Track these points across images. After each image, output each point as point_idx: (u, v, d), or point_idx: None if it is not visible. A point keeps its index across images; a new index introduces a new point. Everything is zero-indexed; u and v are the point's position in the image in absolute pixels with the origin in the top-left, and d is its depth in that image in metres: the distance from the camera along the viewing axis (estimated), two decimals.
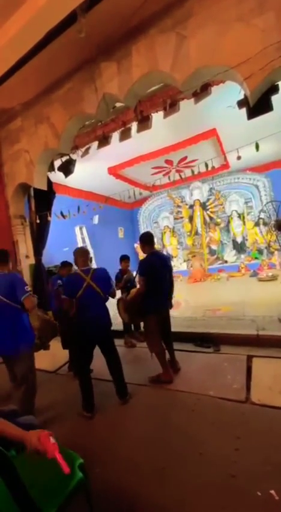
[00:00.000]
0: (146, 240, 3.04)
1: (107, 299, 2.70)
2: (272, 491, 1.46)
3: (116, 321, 3.23)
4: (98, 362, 2.57)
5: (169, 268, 3.08)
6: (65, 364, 3.68)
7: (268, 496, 1.44)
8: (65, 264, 3.73)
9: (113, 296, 2.82)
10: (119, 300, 3.17)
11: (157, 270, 2.86)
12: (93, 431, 2.28)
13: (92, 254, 8.55)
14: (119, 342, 3.52)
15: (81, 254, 2.68)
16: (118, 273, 4.29)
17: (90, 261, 2.73)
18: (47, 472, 1.15)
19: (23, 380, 2.35)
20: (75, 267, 4.34)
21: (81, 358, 2.61)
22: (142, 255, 10.95)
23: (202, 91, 3.36)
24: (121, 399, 2.59)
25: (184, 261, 10.29)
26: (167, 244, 11.15)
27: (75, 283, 2.54)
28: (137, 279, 3.08)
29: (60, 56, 3.29)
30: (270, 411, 2.16)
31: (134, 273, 3.37)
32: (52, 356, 3.52)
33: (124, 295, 3.26)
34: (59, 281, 3.49)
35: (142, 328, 3.62)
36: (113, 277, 3.15)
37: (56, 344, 2.94)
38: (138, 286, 3.06)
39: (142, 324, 4.10)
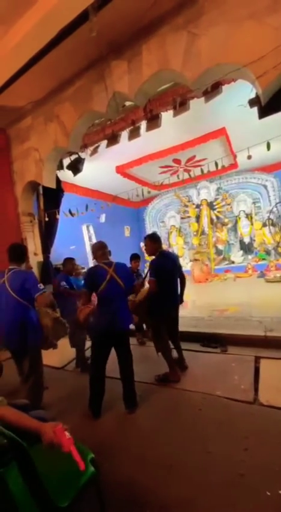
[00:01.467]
0: (156, 238, 3.05)
1: (128, 293, 2.63)
2: None
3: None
4: (109, 359, 2.57)
5: (178, 267, 3.08)
6: (72, 361, 3.72)
7: (277, 496, 1.44)
8: (67, 260, 3.76)
9: (135, 292, 2.73)
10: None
11: (167, 272, 2.85)
12: (101, 428, 2.30)
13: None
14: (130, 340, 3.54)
15: (100, 247, 2.62)
16: None
17: (110, 254, 2.67)
18: (60, 465, 1.17)
19: (30, 375, 2.38)
20: (81, 265, 4.38)
21: (98, 356, 2.48)
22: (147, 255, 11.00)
23: (212, 90, 3.35)
24: (127, 408, 2.46)
25: (190, 260, 10.24)
26: (174, 244, 11.11)
27: (98, 276, 2.45)
28: (146, 280, 3.06)
29: (71, 55, 3.31)
30: (279, 413, 2.15)
31: (144, 273, 3.34)
32: (59, 352, 3.53)
33: (132, 296, 3.25)
34: (63, 282, 3.54)
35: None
36: None
37: (63, 340, 2.96)
38: (146, 286, 3.07)
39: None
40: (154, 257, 2.97)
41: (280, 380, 2.62)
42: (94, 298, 2.59)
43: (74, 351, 3.59)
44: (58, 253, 5.82)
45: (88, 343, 3.51)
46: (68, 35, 3.00)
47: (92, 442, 1.96)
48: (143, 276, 3.92)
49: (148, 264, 10.82)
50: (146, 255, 10.89)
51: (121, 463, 1.85)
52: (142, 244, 11.37)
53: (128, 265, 4.32)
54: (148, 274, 2.93)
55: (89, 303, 2.56)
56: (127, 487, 1.65)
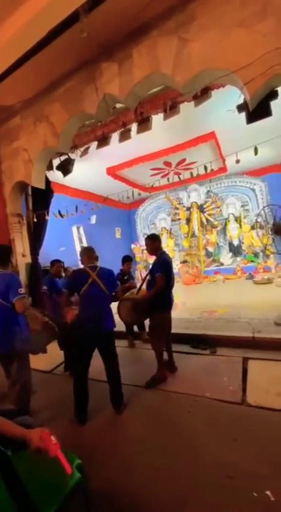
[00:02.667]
0: (156, 237, 3.15)
1: (111, 299, 2.66)
2: (268, 492, 1.47)
3: (119, 323, 3.21)
4: (97, 362, 2.55)
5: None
6: (60, 364, 3.66)
7: (264, 496, 1.45)
8: (54, 262, 3.73)
9: (115, 300, 2.80)
10: (123, 300, 3.11)
11: (171, 269, 2.98)
12: (90, 432, 2.27)
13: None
14: (118, 343, 3.51)
15: (87, 251, 2.69)
16: (119, 274, 4.18)
17: (97, 259, 2.73)
18: (46, 473, 1.14)
19: (16, 379, 2.33)
20: (71, 267, 4.34)
21: (80, 358, 2.50)
22: (138, 256, 11.02)
23: (202, 94, 3.39)
24: (115, 408, 2.48)
25: (181, 262, 10.32)
26: (164, 246, 11.18)
27: (79, 278, 2.52)
28: (147, 279, 3.11)
29: (61, 55, 3.28)
30: (266, 413, 2.18)
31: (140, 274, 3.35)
32: (48, 356, 3.48)
33: (130, 293, 3.24)
34: (44, 287, 3.51)
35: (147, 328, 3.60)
36: None
37: (51, 344, 2.92)
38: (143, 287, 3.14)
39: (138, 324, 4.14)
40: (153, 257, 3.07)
41: (267, 380, 2.66)
42: (76, 298, 2.60)
43: (63, 354, 3.54)
44: (47, 255, 5.73)
45: None
46: (58, 35, 2.98)
47: (80, 447, 1.93)
48: (135, 276, 3.93)
49: (139, 266, 10.87)
50: (136, 256, 10.85)
51: (110, 467, 1.83)
52: (133, 246, 11.39)
53: (120, 267, 4.32)
54: (150, 273, 3.02)
55: (69, 304, 2.61)
56: (115, 492, 1.63)
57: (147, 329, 3.62)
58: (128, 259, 4.36)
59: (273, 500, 1.43)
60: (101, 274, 2.54)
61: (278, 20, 2.32)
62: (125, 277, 4.18)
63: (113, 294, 2.69)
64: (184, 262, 9.96)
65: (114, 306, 2.96)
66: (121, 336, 4.02)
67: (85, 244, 8.59)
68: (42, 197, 4.86)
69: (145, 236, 3.77)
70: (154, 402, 2.60)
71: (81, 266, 2.73)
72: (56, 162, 4.70)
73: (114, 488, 1.65)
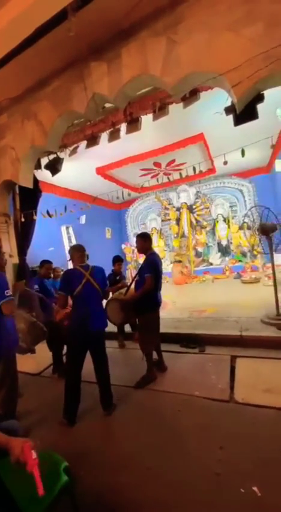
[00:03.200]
0: (148, 237, 3.16)
1: (104, 297, 2.66)
2: (255, 488, 1.49)
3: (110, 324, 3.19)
4: (87, 364, 2.53)
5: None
6: (49, 366, 3.61)
7: (251, 492, 1.48)
8: (44, 263, 3.67)
9: (106, 297, 2.77)
10: (110, 301, 3.08)
11: (160, 269, 2.99)
12: (79, 434, 2.25)
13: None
14: (109, 344, 3.49)
15: (78, 250, 2.63)
16: (111, 274, 4.18)
17: (87, 258, 2.67)
18: (30, 476, 1.12)
19: (3, 382, 2.27)
20: (60, 267, 4.28)
21: (74, 359, 2.45)
22: (129, 256, 11.01)
23: (190, 96, 3.42)
24: (105, 410, 2.46)
25: (171, 262, 10.39)
26: (155, 246, 11.22)
27: (73, 279, 2.46)
28: (136, 279, 3.10)
29: (49, 53, 3.24)
30: (253, 410, 2.22)
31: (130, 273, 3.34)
32: (36, 358, 3.43)
33: (118, 293, 3.22)
34: (35, 286, 3.45)
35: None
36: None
37: (39, 346, 2.87)
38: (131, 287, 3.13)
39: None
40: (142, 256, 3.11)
41: (254, 378, 2.71)
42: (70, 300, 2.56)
43: (51, 356, 3.48)
44: (36, 255, 5.64)
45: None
46: (46, 33, 2.94)
47: (68, 449, 1.91)
48: (126, 276, 3.93)
49: (130, 265, 10.84)
50: (127, 256, 10.82)
51: (99, 469, 1.82)
52: (123, 246, 11.37)
53: (111, 267, 4.31)
54: (139, 273, 3.01)
55: (65, 306, 2.55)
56: (104, 494, 1.62)
57: None
58: (118, 260, 4.36)
59: (260, 495, 1.45)
60: (95, 274, 2.52)
61: (265, 25, 2.37)
62: (117, 278, 4.17)
63: (106, 290, 2.68)
64: (179, 262, 10.03)
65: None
66: (111, 336, 4.00)
67: None
68: (30, 196, 4.78)
69: (140, 232, 3.78)
70: (144, 402, 2.60)
71: (71, 266, 2.69)
72: (44, 161, 4.63)
73: (103, 490, 1.65)
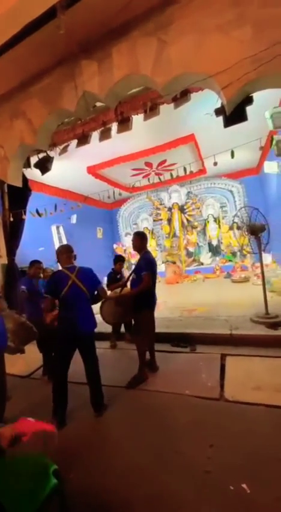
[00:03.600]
0: (145, 236, 3.18)
1: (92, 299, 2.58)
2: (244, 485, 1.52)
3: (103, 325, 3.16)
4: (77, 365, 2.51)
5: None
6: (39, 368, 3.55)
7: (240, 489, 1.50)
8: (33, 263, 3.61)
9: (104, 296, 2.69)
10: (105, 301, 3.03)
11: (156, 267, 3.01)
12: (70, 435, 2.22)
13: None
14: (100, 344, 3.45)
15: (64, 251, 2.58)
16: (111, 273, 4.17)
17: (74, 259, 2.62)
18: (19, 480, 1.10)
19: None
20: (50, 268, 4.23)
21: (60, 360, 2.45)
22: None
23: (181, 97, 3.45)
24: (96, 411, 2.44)
25: (162, 262, 10.43)
26: (147, 246, 11.22)
27: (59, 281, 2.42)
28: (132, 277, 3.08)
29: (39, 51, 3.19)
30: (242, 407, 2.26)
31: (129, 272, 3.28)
32: (25, 360, 3.37)
33: (114, 292, 3.20)
34: (23, 286, 3.40)
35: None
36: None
37: (29, 347, 2.82)
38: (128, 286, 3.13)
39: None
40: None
41: (243, 376, 2.75)
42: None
43: (41, 357, 3.43)
44: (26, 255, 5.55)
45: None
46: (35, 30, 2.89)
47: (58, 452, 1.88)
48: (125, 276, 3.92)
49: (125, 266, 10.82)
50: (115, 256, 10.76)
51: (89, 470, 1.80)
52: (115, 246, 11.34)
53: (104, 267, 4.29)
54: (135, 271, 2.99)
55: (52, 308, 2.51)
56: (94, 495, 1.61)
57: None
58: (120, 259, 4.35)
59: (249, 492, 1.48)
60: (81, 275, 2.47)
61: (254, 29, 2.41)
62: (118, 276, 4.16)
63: (96, 293, 2.60)
64: (173, 263, 10.12)
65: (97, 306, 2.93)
66: (103, 337, 3.98)
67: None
68: (19, 195, 4.70)
69: (133, 231, 3.76)
70: (135, 402, 2.60)
71: (60, 266, 2.65)
72: (34, 159, 4.57)
73: (94, 491, 1.63)
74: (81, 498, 1.57)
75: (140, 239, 3.08)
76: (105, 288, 2.75)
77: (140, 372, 2.91)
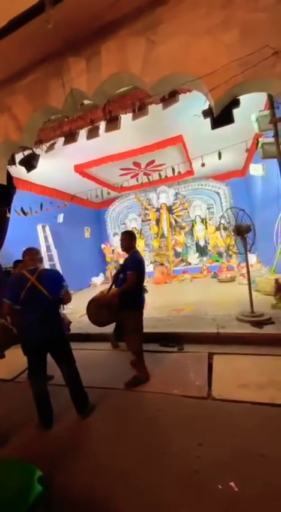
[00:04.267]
0: (134, 235, 3.17)
1: (55, 302, 2.44)
2: (232, 483, 1.53)
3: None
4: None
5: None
6: (24, 371, 3.45)
7: (228, 488, 1.52)
8: (17, 262, 3.52)
9: (67, 301, 2.54)
10: (90, 302, 3.01)
11: (143, 268, 2.99)
12: (55, 440, 2.18)
13: (55, 254, 8.20)
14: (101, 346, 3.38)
15: (28, 253, 2.46)
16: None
17: (40, 262, 2.51)
18: (2, 488, 1.05)
19: None
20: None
21: (30, 365, 2.41)
22: (109, 257, 10.90)
23: (170, 97, 3.46)
24: (79, 413, 2.39)
25: (150, 262, 10.46)
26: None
27: (17, 284, 2.30)
28: (116, 277, 3.06)
29: (24, 45, 3.09)
30: (229, 405, 2.29)
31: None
32: (9, 363, 3.27)
33: (99, 294, 3.13)
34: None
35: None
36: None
37: (13, 350, 2.74)
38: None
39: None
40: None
41: (230, 374, 2.80)
42: None
43: (26, 360, 3.34)
44: (10, 255, 5.39)
45: None
46: (22, 24, 2.81)
47: (44, 455, 1.84)
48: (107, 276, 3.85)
49: (109, 266, 10.73)
50: (107, 256, 10.67)
51: (76, 475, 1.77)
52: (103, 246, 11.24)
53: (90, 266, 4.20)
54: (123, 271, 2.95)
55: (13, 314, 2.39)
56: (80, 501, 1.58)
57: None
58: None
59: (236, 490, 1.50)
60: (42, 278, 2.34)
61: (241, 32, 2.45)
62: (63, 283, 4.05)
63: (60, 296, 2.45)
64: (161, 264, 10.17)
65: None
66: (103, 338, 3.92)
67: (51, 244, 8.23)
68: (3, 193, 4.55)
69: (122, 231, 3.68)
70: (123, 403, 2.58)
71: (47, 266, 2.59)
72: (19, 156, 4.44)
73: (80, 497, 1.60)
74: (67, 505, 1.53)
75: (129, 238, 3.06)
76: (70, 291, 2.56)
77: (140, 373, 2.87)
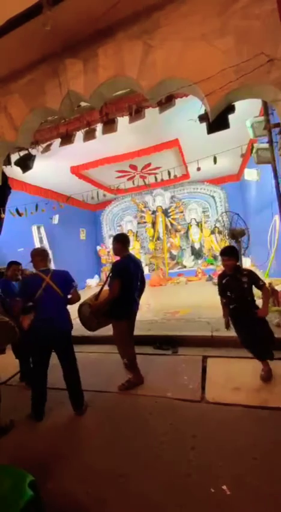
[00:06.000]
0: (125, 239, 2.98)
1: (67, 301, 2.61)
2: (224, 487, 1.53)
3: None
4: (56, 371, 2.44)
5: (142, 271, 3.09)
6: (16, 374, 3.41)
7: (220, 491, 1.51)
8: (10, 264, 3.48)
9: (74, 299, 2.66)
10: (81, 305, 2.93)
11: (131, 274, 2.80)
12: (46, 443, 2.15)
13: (50, 255, 8.15)
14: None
15: (38, 254, 2.62)
16: None
17: (49, 262, 2.68)
18: None
19: None
20: (29, 269, 4.10)
21: (37, 364, 2.49)
22: (104, 258, 10.88)
23: (166, 101, 3.49)
24: (76, 410, 2.48)
25: (146, 265, 10.46)
26: (131, 248, 11.20)
27: (33, 284, 2.46)
28: (106, 282, 2.96)
29: (22, 46, 3.09)
30: (222, 408, 2.30)
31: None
32: (1, 366, 3.23)
33: (89, 297, 3.08)
34: None
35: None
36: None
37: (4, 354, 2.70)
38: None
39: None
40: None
41: (223, 377, 2.81)
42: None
43: (17, 363, 3.29)
44: (4, 256, 5.34)
45: None
46: (19, 25, 2.81)
47: (36, 461, 1.81)
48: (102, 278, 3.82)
49: (104, 268, 10.71)
50: (102, 259, 10.65)
51: (68, 479, 1.75)
52: (99, 247, 11.21)
53: (85, 267, 4.19)
54: (110, 277, 2.83)
55: (25, 312, 2.50)
56: (74, 505, 1.55)
57: None
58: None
59: (229, 494, 1.49)
60: (55, 278, 2.51)
61: (236, 39, 2.49)
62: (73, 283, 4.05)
63: (69, 296, 2.62)
64: (157, 268, 10.19)
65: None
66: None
67: (46, 245, 8.18)
68: None
69: (117, 233, 3.59)
70: (116, 406, 2.56)
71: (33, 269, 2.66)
72: (14, 157, 4.41)
73: (73, 501, 1.58)
74: (59, 509, 1.51)
75: (118, 243, 2.91)
76: (78, 291, 2.72)
77: (134, 376, 2.85)
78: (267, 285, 4.86)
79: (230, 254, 2.69)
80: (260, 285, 2.61)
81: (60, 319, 2.51)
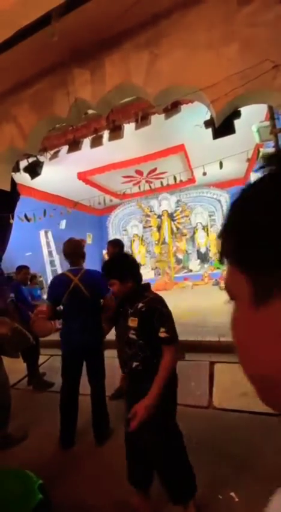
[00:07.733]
0: (115, 244, 2.98)
1: (98, 307, 2.27)
2: (232, 494, 1.51)
3: None
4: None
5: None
6: (23, 378, 3.44)
7: (229, 498, 1.49)
8: (21, 268, 3.56)
9: (109, 308, 2.24)
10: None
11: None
12: (57, 450, 2.15)
13: (57, 259, 8.23)
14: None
15: (70, 248, 2.23)
16: None
17: (83, 258, 2.30)
18: (3, 495, 1.05)
19: None
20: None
21: (65, 379, 2.19)
22: None
23: (172, 108, 3.54)
24: (96, 438, 2.15)
25: (152, 269, 10.47)
26: (136, 252, 11.25)
27: (58, 285, 2.14)
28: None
29: (31, 56, 3.19)
30: (229, 414, 2.27)
31: None
32: (9, 370, 3.26)
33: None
34: (12, 294, 3.32)
35: None
36: None
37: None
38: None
39: None
40: None
41: (231, 383, 2.77)
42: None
43: (25, 367, 3.33)
44: (12, 261, 5.43)
45: (42, 358, 3.29)
46: (28, 36, 2.90)
47: (46, 466, 1.81)
48: None
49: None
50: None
51: (78, 485, 1.75)
52: (105, 252, 11.28)
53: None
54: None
55: (55, 317, 2.28)
56: (81, 506, 1.55)
57: None
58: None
59: (237, 501, 1.47)
60: (85, 279, 2.15)
61: (241, 46, 2.53)
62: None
63: (102, 300, 2.25)
64: (164, 272, 10.21)
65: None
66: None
67: (54, 250, 8.27)
68: (7, 199, 4.61)
69: (123, 237, 3.54)
70: (120, 413, 2.54)
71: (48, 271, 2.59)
72: (23, 163, 4.52)
73: (80, 507, 1.58)
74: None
75: (110, 247, 2.84)
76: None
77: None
78: None
79: None
80: None
81: (88, 330, 2.13)
